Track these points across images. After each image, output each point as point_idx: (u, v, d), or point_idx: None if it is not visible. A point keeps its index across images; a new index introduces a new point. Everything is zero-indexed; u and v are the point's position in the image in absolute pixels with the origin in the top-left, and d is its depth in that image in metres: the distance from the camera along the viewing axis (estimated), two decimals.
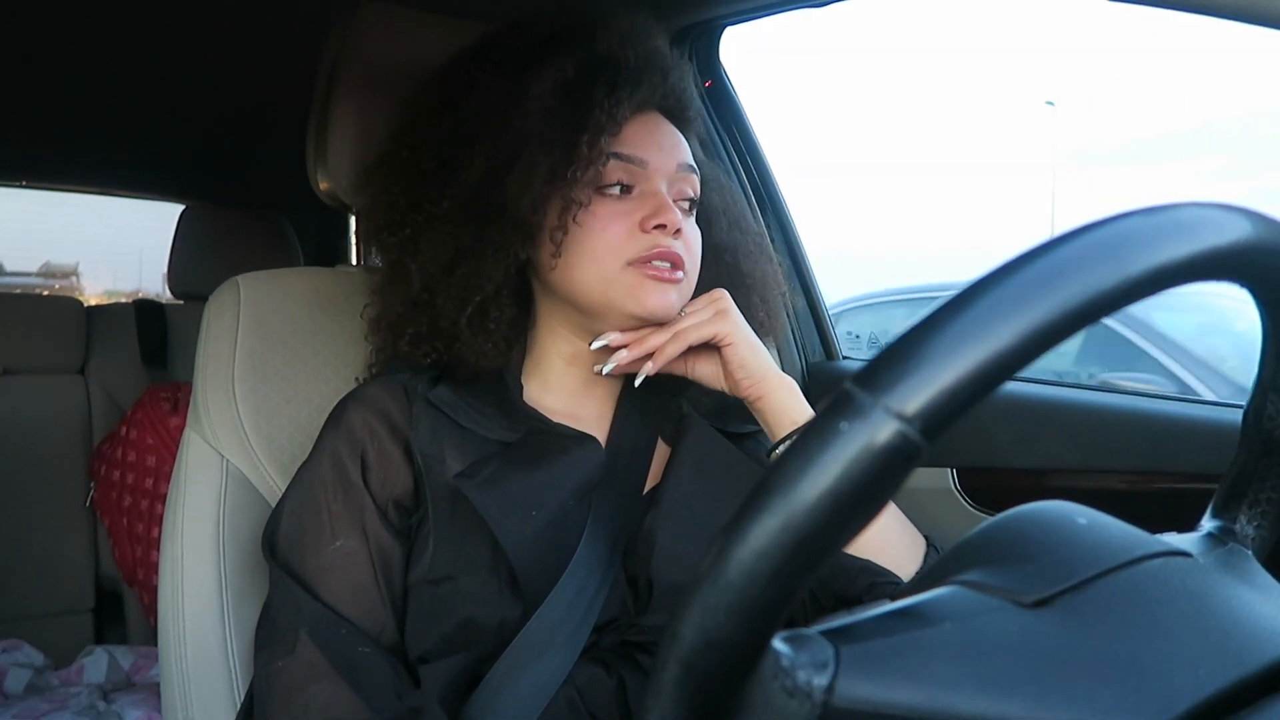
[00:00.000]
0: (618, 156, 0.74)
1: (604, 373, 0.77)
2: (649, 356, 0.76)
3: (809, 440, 0.27)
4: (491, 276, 0.74)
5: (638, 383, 0.76)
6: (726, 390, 0.80)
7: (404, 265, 0.77)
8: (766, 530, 0.26)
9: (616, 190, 0.75)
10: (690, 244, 0.76)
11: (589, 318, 0.76)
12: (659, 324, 0.76)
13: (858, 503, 0.26)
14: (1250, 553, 0.40)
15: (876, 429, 0.26)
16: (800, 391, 0.80)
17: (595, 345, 0.76)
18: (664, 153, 0.76)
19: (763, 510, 0.27)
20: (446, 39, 0.83)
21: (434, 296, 0.76)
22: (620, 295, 0.73)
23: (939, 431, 0.26)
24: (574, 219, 0.73)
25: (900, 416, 0.26)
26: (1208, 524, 0.42)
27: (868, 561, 0.75)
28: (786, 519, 0.26)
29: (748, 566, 0.26)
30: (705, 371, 0.80)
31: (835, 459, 0.26)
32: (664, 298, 0.73)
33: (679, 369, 0.80)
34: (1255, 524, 0.41)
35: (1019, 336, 0.27)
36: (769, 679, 0.28)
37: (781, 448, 0.77)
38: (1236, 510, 0.41)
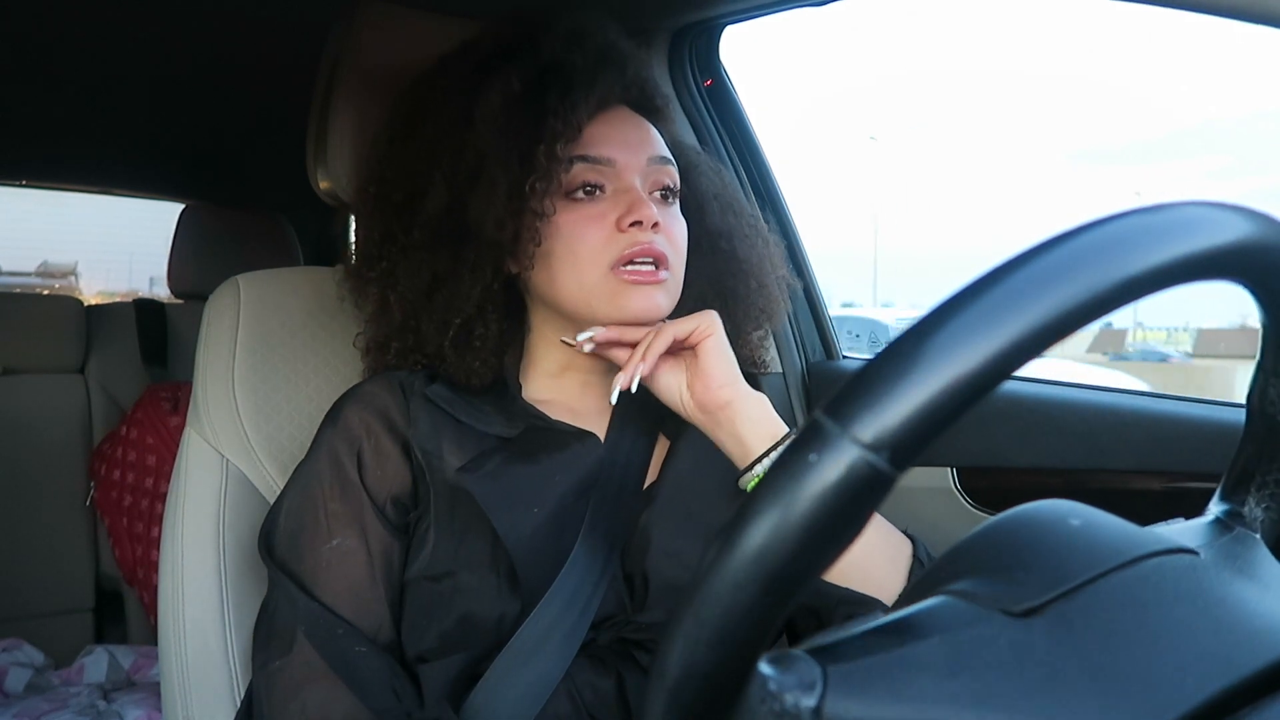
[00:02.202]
0: (583, 159, 0.72)
1: (613, 402, 0.72)
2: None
3: (779, 474, 0.27)
4: (470, 297, 0.74)
5: (634, 388, 0.72)
6: (684, 406, 0.74)
7: (385, 298, 0.77)
8: (741, 564, 0.26)
9: (586, 193, 0.73)
10: (673, 236, 0.74)
11: (577, 324, 0.75)
12: (648, 324, 0.73)
13: (830, 534, 0.26)
14: (1258, 537, 0.40)
15: (845, 460, 0.26)
16: (771, 406, 0.74)
17: (581, 337, 0.72)
18: (631, 148, 0.74)
19: (737, 543, 0.27)
20: (444, 37, 0.83)
21: (418, 323, 0.76)
22: (602, 302, 0.72)
23: (909, 459, 0.26)
24: (543, 230, 0.71)
25: (868, 446, 0.26)
26: (1215, 509, 0.42)
27: (847, 591, 0.71)
28: (760, 552, 0.26)
29: (726, 599, 0.27)
30: (668, 382, 0.75)
31: (805, 492, 0.26)
32: (649, 300, 0.72)
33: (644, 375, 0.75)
34: (1264, 506, 0.41)
35: (988, 359, 0.26)
36: (756, 703, 0.28)
37: (760, 466, 0.72)
38: (1244, 494, 0.41)
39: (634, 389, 0.72)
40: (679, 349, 0.74)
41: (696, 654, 0.27)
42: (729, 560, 0.27)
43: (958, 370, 0.26)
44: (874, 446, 0.26)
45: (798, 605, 0.73)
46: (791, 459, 0.27)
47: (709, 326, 0.72)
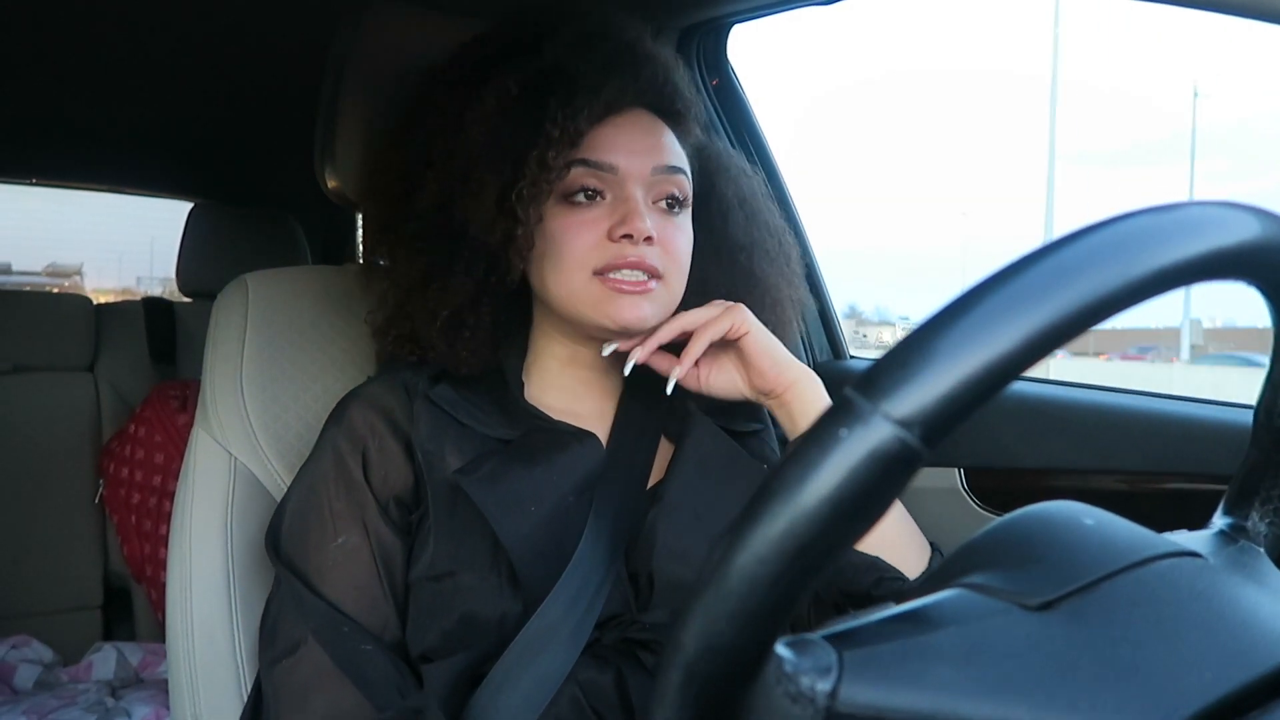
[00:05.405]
0: (584, 163, 0.72)
1: (626, 374, 0.76)
2: (669, 349, 0.76)
3: (808, 447, 0.27)
4: (461, 291, 0.75)
5: (695, 386, 0.77)
6: (749, 394, 0.78)
7: (384, 282, 0.79)
8: (767, 537, 0.26)
9: (587, 198, 0.72)
10: (671, 248, 0.74)
11: (571, 326, 0.76)
12: (635, 334, 0.74)
13: (858, 509, 0.26)
14: (1262, 551, 0.40)
15: (876, 435, 0.26)
16: (824, 387, 0.78)
17: (605, 352, 0.76)
18: (636, 155, 0.73)
19: (763, 516, 0.27)
20: (452, 38, 0.83)
21: (410, 310, 0.77)
22: (587, 309, 0.72)
23: (939, 438, 0.26)
24: (534, 234, 0.72)
25: (899, 423, 0.26)
26: (1219, 521, 0.42)
27: (876, 559, 0.74)
28: (787, 525, 0.26)
29: (749, 573, 0.26)
30: (721, 381, 0.78)
31: (835, 466, 0.26)
32: (635, 310, 0.71)
33: (692, 384, 0.79)
34: (1268, 521, 0.41)
35: (1020, 341, 0.26)
36: (772, 684, 0.28)
37: None
38: (1248, 508, 0.41)
39: (696, 387, 0.77)
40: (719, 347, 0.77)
41: (716, 628, 0.27)
42: (754, 534, 0.26)
43: (993, 350, 0.26)
44: (905, 423, 0.26)
45: (825, 581, 0.74)
46: (821, 433, 0.27)
47: (743, 323, 0.75)
